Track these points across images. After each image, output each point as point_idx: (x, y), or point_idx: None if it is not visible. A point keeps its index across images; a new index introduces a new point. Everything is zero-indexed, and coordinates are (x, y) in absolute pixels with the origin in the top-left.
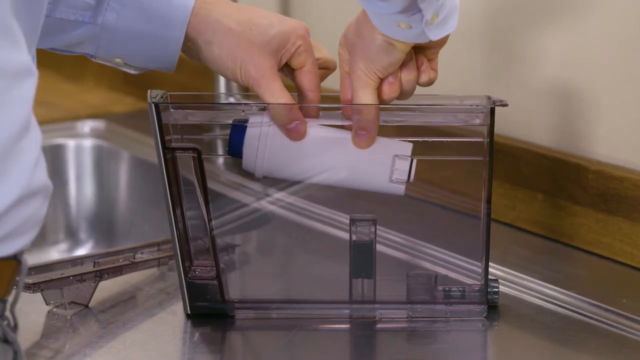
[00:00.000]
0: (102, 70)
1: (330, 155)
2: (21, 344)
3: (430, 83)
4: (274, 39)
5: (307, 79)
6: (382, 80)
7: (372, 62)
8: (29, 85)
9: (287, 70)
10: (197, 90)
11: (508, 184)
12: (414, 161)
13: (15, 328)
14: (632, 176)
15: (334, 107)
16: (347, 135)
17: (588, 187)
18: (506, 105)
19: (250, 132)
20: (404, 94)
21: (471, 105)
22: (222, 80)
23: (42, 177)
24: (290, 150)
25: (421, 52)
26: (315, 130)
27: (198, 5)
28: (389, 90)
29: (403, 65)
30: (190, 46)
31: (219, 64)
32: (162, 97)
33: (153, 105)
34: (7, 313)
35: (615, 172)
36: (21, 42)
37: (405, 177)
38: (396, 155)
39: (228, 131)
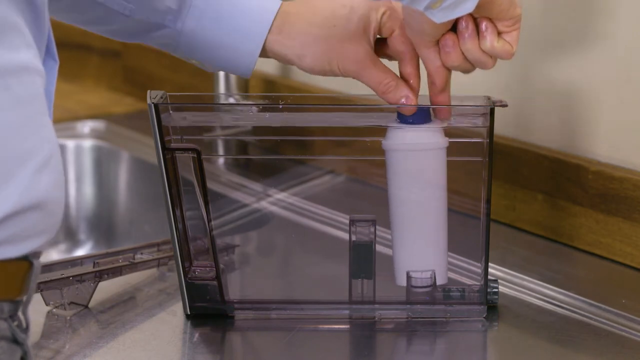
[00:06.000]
0: (101, 70)
1: (415, 216)
2: (31, 346)
3: (500, 53)
4: (359, 25)
5: (398, 43)
6: (439, 45)
7: (408, 24)
8: (29, 85)
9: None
10: (197, 91)
11: (508, 185)
12: (431, 285)
13: (26, 330)
14: (632, 176)
15: (345, 107)
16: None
17: (588, 187)
18: (506, 105)
19: (420, 134)
20: (475, 62)
21: (471, 106)
22: (222, 81)
23: (48, 182)
24: (409, 170)
25: (489, 21)
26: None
27: (280, 21)
28: (445, 57)
29: (459, 32)
30: (277, 56)
31: (316, 70)
32: (161, 98)
33: (153, 105)
34: (20, 314)
35: (615, 173)
36: (19, 39)
37: (416, 284)
38: (434, 271)
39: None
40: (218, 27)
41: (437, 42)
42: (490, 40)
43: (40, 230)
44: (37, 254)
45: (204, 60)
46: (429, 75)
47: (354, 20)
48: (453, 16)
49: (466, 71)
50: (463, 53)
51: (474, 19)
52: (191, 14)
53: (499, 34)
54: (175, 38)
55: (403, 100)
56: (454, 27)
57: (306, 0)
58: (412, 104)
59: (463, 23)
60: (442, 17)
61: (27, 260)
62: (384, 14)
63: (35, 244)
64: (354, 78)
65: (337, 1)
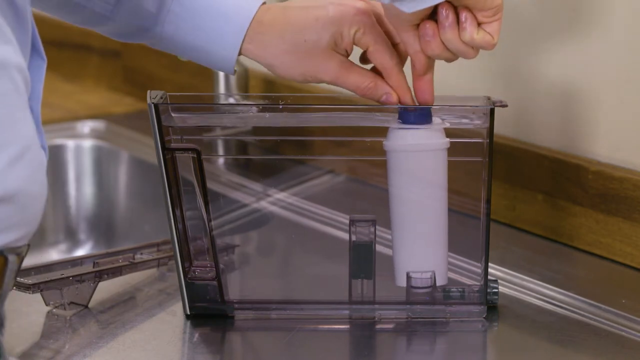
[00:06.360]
0: (101, 70)
1: (416, 213)
2: (4, 340)
3: (480, 44)
4: (330, 41)
5: (374, 58)
6: (419, 33)
7: (386, 8)
8: (3, 79)
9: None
10: (197, 91)
11: (508, 185)
12: (431, 286)
13: (1, 325)
14: (632, 176)
15: (345, 107)
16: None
17: (588, 187)
18: (506, 105)
19: (419, 134)
20: (456, 52)
21: (471, 106)
22: (221, 81)
23: (22, 176)
24: (412, 170)
25: (469, 11)
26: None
27: (253, 30)
28: (425, 46)
29: (439, 22)
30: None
31: (289, 79)
32: (161, 98)
33: (153, 105)
34: None
35: (615, 173)
36: None
37: (416, 284)
38: (434, 272)
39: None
40: (195, 32)
41: (417, 26)
42: (470, 32)
43: (13, 224)
44: (14, 249)
45: (186, 58)
46: (410, 59)
47: (325, 37)
48: (421, 6)
49: (448, 60)
50: (443, 43)
51: (455, 8)
52: (169, 19)
53: (480, 24)
54: (155, 40)
55: (384, 97)
56: (435, 14)
57: (282, 8)
58: (394, 100)
59: (443, 13)
60: (411, 7)
61: (1, 256)
62: (357, 31)
63: (9, 238)
64: (331, 85)
65: (310, 14)
